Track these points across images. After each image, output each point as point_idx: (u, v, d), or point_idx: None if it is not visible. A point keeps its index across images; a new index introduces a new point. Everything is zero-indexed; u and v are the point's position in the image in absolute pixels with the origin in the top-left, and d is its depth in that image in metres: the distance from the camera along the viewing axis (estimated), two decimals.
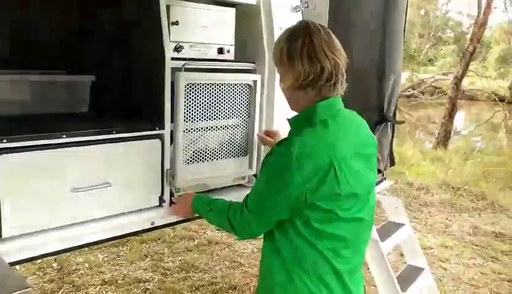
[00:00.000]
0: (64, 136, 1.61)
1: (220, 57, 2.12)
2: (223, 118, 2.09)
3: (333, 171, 1.45)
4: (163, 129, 1.88)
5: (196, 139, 2.01)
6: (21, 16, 2.25)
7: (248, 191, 2.16)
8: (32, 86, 2.06)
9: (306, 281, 1.54)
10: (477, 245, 4.98)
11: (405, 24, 3.20)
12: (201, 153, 2.05)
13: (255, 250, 4.52)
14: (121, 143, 1.77)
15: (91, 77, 2.18)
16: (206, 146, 2.06)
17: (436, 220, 5.68)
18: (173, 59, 1.88)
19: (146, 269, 4.06)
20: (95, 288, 3.73)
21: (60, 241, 1.64)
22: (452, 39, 26.55)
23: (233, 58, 2.17)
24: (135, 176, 1.84)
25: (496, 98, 15.87)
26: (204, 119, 2.01)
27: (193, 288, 3.79)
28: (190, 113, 1.95)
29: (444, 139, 10.63)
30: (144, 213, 1.88)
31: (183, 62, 1.91)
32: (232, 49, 2.16)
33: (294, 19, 2.21)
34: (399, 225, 3.17)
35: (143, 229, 1.86)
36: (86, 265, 4.05)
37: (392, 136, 3.30)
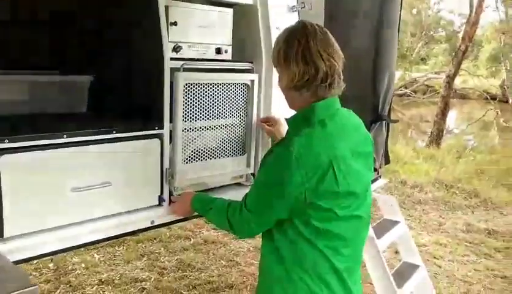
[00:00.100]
0: (65, 136, 1.62)
1: (218, 57, 2.13)
2: (221, 117, 2.11)
3: (332, 171, 1.47)
4: (163, 129, 1.89)
5: (195, 138, 2.03)
6: (21, 16, 2.25)
7: (246, 190, 2.18)
8: (31, 86, 2.07)
9: (306, 279, 1.56)
10: (470, 243, 5.03)
11: (399, 24, 3.23)
12: (199, 152, 2.06)
13: (251, 249, 4.54)
14: (121, 143, 1.78)
15: (90, 77, 2.19)
16: (205, 145, 2.08)
17: (430, 218, 5.73)
18: (171, 59, 1.90)
19: (142, 269, 4.07)
20: (92, 288, 3.73)
21: (61, 241, 1.65)
22: (444, 38, 26.68)
23: (230, 58, 2.19)
24: (134, 175, 1.85)
25: (488, 97, 16.00)
26: (203, 119, 2.03)
27: (190, 287, 3.81)
28: (188, 112, 1.97)
29: (437, 137, 10.70)
30: (143, 212, 1.89)
31: (182, 62, 1.93)
32: (230, 49, 2.18)
33: (291, 19, 2.24)
34: (394, 223, 3.20)
35: (142, 228, 1.88)
36: (83, 265, 4.05)
37: (387, 135, 3.33)
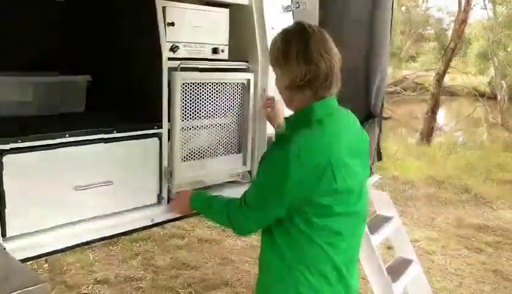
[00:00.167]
0: (67, 135, 1.64)
1: (215, 56, 2.16)
2: (218, 116, 2.14)
3: (330, 169, 1.50)
4: (161, 128, 1.92)
5: (192, 137, 2.06)
6: (21, 16, 2.27)
7: (242, 187, 2.22)
8: (30, 87, 2.08)
9: (305, 273, 1.59)
10: (462, 237, 5.10)
11: (391, 23, 3.27)
12: (197, 151, 2.09)
13: (245, 246, 4.57)
14: (121, 142, 1.81)
15: (87, 77, 2.20)
16: (202, 143, 2.10)
17: (422, 214, 5.80)
18: (169, 59, 1.92)
19: (137, 268, 4.09)
20: (88, 287, 3.75)
21: (64, 239, 1.67)
22: (433, 36, 26.87)
23: (226, 57, 2.22)
24: (134, 174, 1.87)
25: (477, 94, 16.16)
26: (200, 118, 2.06)
27: (185, 285, 3.83)
28: (186, 111, 1.99)
29: (427, 134, 10.81)
30: (143, 210, 1.92)
31: (179, 62, 1.95)
32: (226, 49, 2.20)
33: (286, 19, 2.28)
34: (388, 218, 3.25)
35: (143, 227, 1.90)
36: (78, 265, 4.06)
37: (380, 132, 3.37)
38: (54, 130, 1.65)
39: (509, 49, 18.14)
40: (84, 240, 1.72)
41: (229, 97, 2.16)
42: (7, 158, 1.50)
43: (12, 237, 1.56)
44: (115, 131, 1.79)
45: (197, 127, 2.06)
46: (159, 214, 1.95)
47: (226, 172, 2.26)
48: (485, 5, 15.56)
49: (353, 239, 1.71)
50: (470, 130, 14.37)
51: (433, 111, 10.92)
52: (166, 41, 1.94)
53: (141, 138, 1.88)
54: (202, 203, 1.87)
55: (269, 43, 2.16)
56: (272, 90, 2.21)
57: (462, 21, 10.47)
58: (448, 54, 10.71)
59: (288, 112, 1.76)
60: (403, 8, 23.20)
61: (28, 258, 1.58)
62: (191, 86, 1.99)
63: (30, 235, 1.61)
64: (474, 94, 16.40)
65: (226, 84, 2.13)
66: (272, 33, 2.22)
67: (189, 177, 2.08)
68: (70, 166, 1.67)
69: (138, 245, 4.48)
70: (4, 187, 1.50)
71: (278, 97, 2.15)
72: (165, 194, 1.98)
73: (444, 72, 10.97)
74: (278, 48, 1.60)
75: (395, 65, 19.53)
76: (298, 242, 1.59)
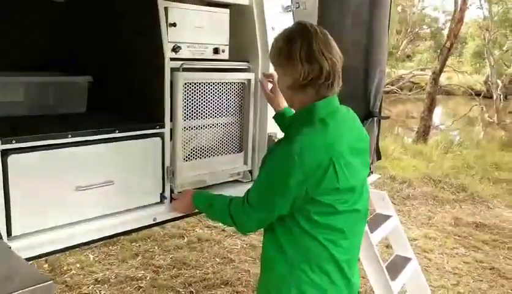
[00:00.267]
0: (70, 135, 1.65)
1: (216, 57, 2.17)
2: (219, 116, 2.15)
3: (333, 168, 1.52)
4: (164, 128, 1.93)
5: (194, 136, 2.07)
6: (21, 16, 2.28)
7: (243, 187, 2.24)
8: (31, 87, 2.09)
9: (307, 271, 1.61)
10: (459, 236, 5.13)
11: (389, 22, 3.29)
12: (198, 150, 2.10)
13: (245, 246, 4.58)
14: (124, 142, 1.82)
15: (88, 78, 2.22)
16: (204, 143, 2.12)
17: (420, 212, 5.83)
18: (171, 59, 1.93)
19: (137, 268, 4.09)
20: (88, 287, 3.75)
21: (68, 239, 1.68)
22: (428, 35, 26.98)
23: (227, 57, 2.23)
24: (136, 173, 1.89)
25: (473, 93, 16.24)
26: (202, 117, 2.07)
27: (186, 285, 3.84)
28: (188, 111, 2.01)
29: (423, 133, 10.85)
30: (146, 210, 1.93)
31: (181, 62, 1.97)
32: (227, 49, 2.21)
33: (286, 19, 2.30)
34: (387, 217, 3.27)
35: (145, 226, 1.91)
36: (78, 265, 4.06)
37: (378, 131, 3.40)
38: (57, 131, 1.66)
39: (504, 48, 18.24)
40: (86, 240, 1.73)
41: (230, 97, 2.17)
42: (11, 158, 1.51)
43: (15, 237, 1.57)
44: (117, 131, 1.80)
45: (198, 126, 2.08)
46: (161, 213, 1.97)
47: (227, 171, 2.27)
48: (481, 5, 15.64)
49: (354, 237, 1.73)
50: (466, 129, 14.44)
51: (430, 110, 10.97)
52: (168, 42, 1.95)
53: (143, 138, 1.89)
54: (204, 201, 1.89)
55: (269, 43, 2.20)
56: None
57: (458, 20, 10.51)
58: (444, 53, 10.75)
59: None
60: (399, 8, 23.29)
61: (29, 257, 1.59)
62: (193, 86, 2.00)
63: (32, 235, 1.62)
64: (470, 93, 16.48)
65: (227, 84, 2.15)
66: (272, 34, 2.24)
67: (191, 177, 2.09)
68: (73, 166, 1.68)
69: (138, 245, 4.48)
70: (9, 188, 1.51)
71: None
72: (167, 193, 1.99)
73: (441, 71, 11.02)
74: (280, 47, 1.62)
75: (391, 65, 19.61)
76: (300, 240, 1.61)
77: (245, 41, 2.28)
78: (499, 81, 16.57)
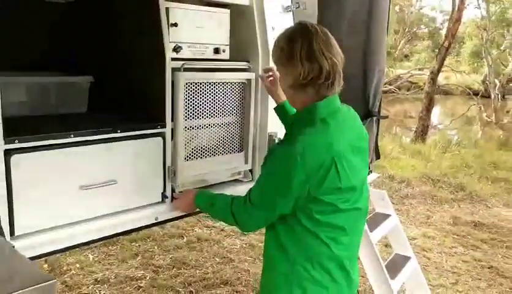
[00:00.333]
0: (72, 135, 1.66)
1: (216, 56, 2.18)
2: (220, 116, 2.16)
3: (334, 168, 1.53)
4: (165, 127, 1.95)
5: (195, 136, 2.08)
6: (21, 16, 2.28)
7: (244, 186, 2.25)
8: (33, 88, 2.10)
9: (309, 269, 1.62)
10: (457, 235, 5.15)
11: (388, 22, 3.30)
12: (199, 150, 2.11)
13: (244, 245, 4.59)
14: (126, 142, 1.83)
15: (89, 78, 2.22)
16: (204, 142, 2.13)
17: (418, 212, 5.85)
18: (172, 59, 1.94)
19: (137, 268, 4.09)
20: (88, 287, 3.75)
21: (71, 238, 1.69)
22: (426, 35, 27.04)
23: (228, 57, 2.24)
24: (138, 173, 1.90)
25: (471, 92, 16.27)
26: (203, 117, 2.08)
27: (186, 284, 3.85)
28: (189, 111, 2.02)
29: (422, 133, 10.87)
30: (147, 209, 1.95)
31: (182, 62, 1.98)
32: (227, 49, 2.23)
33: (286, 19, 2.31)
34: (386, 216, 3.28)
35: (147, 225, 1.92)
36: (77, 265, 4.06)
37: (377, 131, 3.41)
38: (59, 131, 1.67)
39: (502, 47, 18.29)
40: (88, 239, 1.74)
41: (230, 97, 2.18)
42: (14, 158, 1.52)
43: (17, 237, 1.58)
44: (119, 131, 1.81)
45: (199, 126, 2.09)
46: (163, 212, 1.98)
47: (228, 171, 2.29)
48: (478, 4, 15.68)
49: (355, 234, 1.74)
50: (464, 128, 14.48)
51: (428, 109, 10.99)
52: (169, 42, 1.96)
53: (145, 138, 1.90)
54: (206, 201, 1.89)
55: (269, 43, 2.21)
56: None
57: (456, 20, 10.53)
58: (442, 52, 10.78)
59: None
60: (397, 8, 23.33)
61: (30, 257, 1.59)
62: (193, 85, 2.02)
63: (33, 235, 1.63)
64: (468, 93, 16.51)
65: (227, 83, 2.16)
66: (272, 33, 2.25)
67: (192, 176, 2.10)
68: (76, 165, 1.69)
69: (137, 245, 4.48)
70: (13, 187, 1.52)
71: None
72: (168, 193, 2.00)
73: (439, 71, 11.05)
74: (282, 47, 1.63)
75: (389, 65, 19.64)
76: (302, 238, 1.62)
77: (245, 41, 2.29)
78: (497, 81, 16.62)
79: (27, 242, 1.58)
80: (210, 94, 2.09)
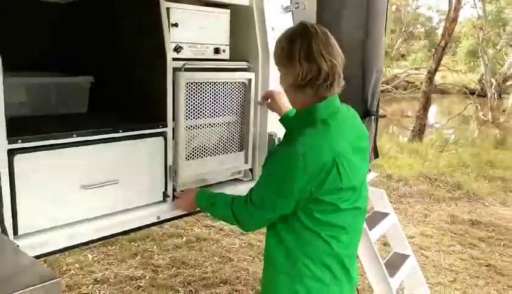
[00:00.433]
0: (75, 135, 1.67)
1: (217, 56, 2.19)
2: (221, 115, 2.17)
3: (336, 168, 1.54)
4: (166, 127, 1.96)
5: (196, 136, 2.09)
6: (21, 16, 2.29)
7: (244, 185, 2.26)
8: (34, 88, 2.10)
9: (310, 266, 1.64)
10: (455, 233, 5.18)
11: (386, 22, 3.32)
12: (200, 149, 2.12)
13: (243, 245, 4.60)
14: (127, 141, 1.84)
15: (90, 78, 2.23)
16: (205, 142, 2.14)
17: (416, 211, 5.88)
18: (172, 59, 1.95)
19: (136, 267, 4.10)
20: (88, 287, 3.75)
21: (73, 237, 1.70)
22: (423, 34, 27.10)
23: (228, 57, 2.25)
24: (140, 172, 1.91)
25: (467, 91, 16.33)
26: (203, 117, 2.09)
27: (185, 284, 3.86)
28: (190, 110, 2.03)
29: (419, 132, 10.91)
30: (149, 208, 1.96)
31: (183, 62, 1.99)
32: (227, 48, 2.24)
33: (285, 19, 2.32)
34: (385, 214, 3.30)
35: (149, 224, 1.93)
36: (77, 265, 4.07)
37: (376, 130, 3.43)
38: (62, 131, 1.68)
39: (498, 47, 18.35)
40: (89, 239, 1.75)
41: (231, 96, 2.19)
42: (17, 158, 1.53)
43: (20, 236, 1.58)
44: (121, 131, 1.82)
45: (200, 126, 2.10)
46: (165, 211, 1.99)
47: (228, 170, 2.30)
48: (475, 4, 15.73)
49: (354, 233, 1.76)
50: (461, 127, 14.53)
51: (425, 108, 11.02)
52: (170, 42, 1.97)
53: (146, 137, 1.91)
54: (206, 200, 1.90)
55: (269, 43, 2.22)
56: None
57: (452, 19, 10.57)
58: (439, 52, 10.81)
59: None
60: (393, 7, 23.37)
61: (37, 255, 1.60)
62: (194, 85, 2.03)
63: (40, 233, 1.64)
64: (464, 92, 16.57)
65: (227, 83, 2.17)
66: (272, 33, 2.27)
67: (193, 175, 2.11)
68: (79, 165, 1.70)
69: (136, 244, 4.49)
70: (16, 186, 1.53)
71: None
72: (170, 192, 2.01)
73: (436, 70, 11.08)
74: (283, 47, 1.64)
75: (386, 64, 19.67)
76: (303, 236, 1.63)
77: (245, 41, 2.30)
78: (493, 80, 16.70)
79: (28, 242, 1.58)
80: (210, 94, 2.10)
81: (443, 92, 19.91)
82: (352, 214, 1.68)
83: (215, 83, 2.11)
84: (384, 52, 3.39)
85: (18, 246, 1.44)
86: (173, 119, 1.98)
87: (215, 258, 4.33)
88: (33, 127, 1.76)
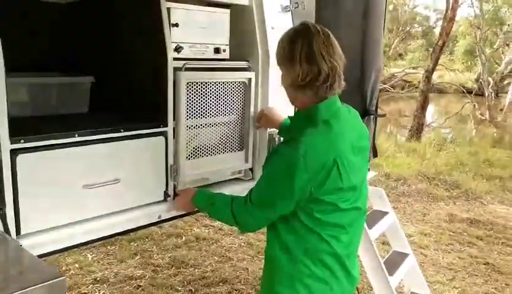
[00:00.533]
0: (77, 135, 1.68)
1: (217, 56, 2.20)
2: (221, 115, 2.18)
3: (336, 168, 1.55)
4: (167, 126, 1.96)
5: (196, 135, 2.10)
6: (22, 16, 2.29)
7: (244, 184, 2.27)
8: (36, 88, 2.11)
9: (310, 265, 1.65)
10: (454, 232, 5.19)
11: (384, 22, 3.33)
12: (201, 148, 2.13)
13: (243, 244, 4.61)
14: (128, 141, 1.85)
15: (91, 78, 2.24)
16: (206, 141, 2.15)
17: (414, 209, 5.89)
18: (173, 59, 1.96)
19: (136, 267, 4.10)
20: (87, 287, 3.76)
21: (74, 237, 1.71)
22: (420, 34, 27.16)
23: (228, 57, 2.26)
24: (141, 172, 1.91)
25: (465, 91, 16.36)
26: (204, 116, 2.10)
27: (185, 283, 3.86)
28: (190, 110, 2.04)
29: (417, 131, 10.93)
30: (150, 207, 1.96)
31: (183, 62, 2.00)
32: (227, 48, 2.24)
33: (285, 19, 2.33)
34: (384, 213, 3.31)
35: (150, 223, 1.94)
36: (76, 265, 4.07)
37: (375, 129, 3.44)
38: (63, 130, 1.68)
39: (495, 46, 18.40)
40: (90, 238, 1.75)
41: (231, 96, 2.20)
42: (20, 158, 1.53)
43: (23, 236, 1.59)
44: (122, 131, 1.83)
45: (200, 125, 2.10)
46: (166, 210, 2.00)
47: (228, 169, 2.31)
48: (472, 3, 15.76)
49: (355, 233, 1.77)
50: (458, 126, 14.56)
51: (423, 107, 11.05)
52: (171, 42, 1.98)
53: (147, 137, 1.91)
54: (205, 200, 1.90)
55: (269, 42, 2.23)
56: (272, 91, 2.28)
57: (450, 18, 10.59)
58: (436, 51, 10.84)
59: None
60: (390, 6, 23.40)
61: (39, 255, 1.60)
62: (195, 85, 2.03)
63: (43, 233, 1.64)
64: (462, 91, 16.61)
65: (228, 83, 2.18)
66: (272, 33, 2.27)
67: (193, 175, 2.12)
68: (80, 165, 1.71)
69: (136, 244, 4.49)
70: (18, 186, 1.53)
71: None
72: (170, 191, 2.02)
73: (433, 69, 11.11)
74: (284, 47, 1.65)
75: (383, 63, 19.71)
76: (303, 236, 1.64)
77: (245, 41, 2.31)
78: (490, 79, 16.73)
79: (29, 241, 1.59)
80: (211, 93, 2.11)
81: (440, 91, 19.94)
82: (352, 213, 1.69)
83: (215, 83, 2.11)
84: (383, 51, 3.41)
85: (21, 245, 1.45)
86: (174, 119, 1.98)
87: (215, 258, 4.34)
88: (34, 127, 1.76)
